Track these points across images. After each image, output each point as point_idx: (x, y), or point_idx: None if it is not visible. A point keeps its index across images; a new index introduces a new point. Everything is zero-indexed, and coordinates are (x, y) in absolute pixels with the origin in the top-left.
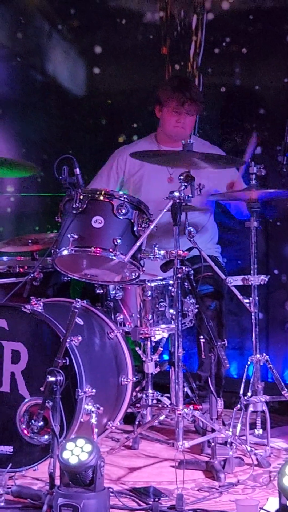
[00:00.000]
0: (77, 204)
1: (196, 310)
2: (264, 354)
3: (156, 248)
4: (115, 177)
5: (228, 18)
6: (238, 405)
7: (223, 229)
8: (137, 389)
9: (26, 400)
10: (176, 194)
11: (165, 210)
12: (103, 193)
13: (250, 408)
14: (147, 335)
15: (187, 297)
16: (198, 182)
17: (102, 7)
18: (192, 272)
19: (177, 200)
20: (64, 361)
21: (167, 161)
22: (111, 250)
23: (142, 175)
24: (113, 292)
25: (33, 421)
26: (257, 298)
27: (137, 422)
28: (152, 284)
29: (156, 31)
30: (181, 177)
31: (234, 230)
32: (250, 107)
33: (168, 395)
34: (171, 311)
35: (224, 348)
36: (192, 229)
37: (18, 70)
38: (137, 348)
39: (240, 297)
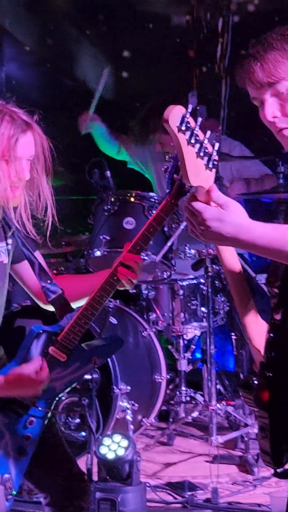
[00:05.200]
0: (109, 206)
1: (228, 308)
2: None
3: (187, 248)
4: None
5: (253, 19)
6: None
7: None
8: (170, 386)
9: (63, 398)
10: None
11: None
12: (133, 194)
13: None
14: (179, 333)
15: (218, 295)
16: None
17: (129, 12)
18: (222, 271)
19: None
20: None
21: None
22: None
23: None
24: (145, 291)
25: (69, 418)
26: None
27: (171, 419)
28: (184, 283)
29: (183, 34)
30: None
31: None
32: None
33: (201, 392)
34: (203, 309)
35: None
36: None
37: (48, 76)
38: (169, 346)
39: (269, 293)
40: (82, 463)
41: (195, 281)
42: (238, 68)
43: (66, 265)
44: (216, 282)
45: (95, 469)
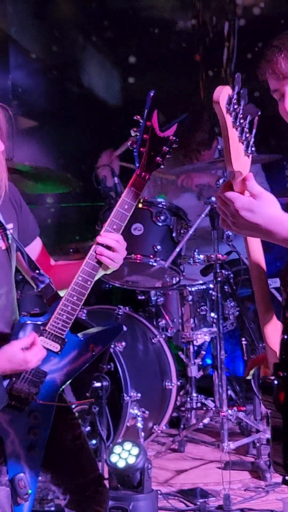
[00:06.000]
0: None
1: (237, 313)
2: None
3: (195, 253)
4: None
5: (259, 23)
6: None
7: None
8: (181, 393)
9: (73, 406)
10: (214, 198)
11: (203, 215)
12: (141, 200)
13: None
14: (189, 339)
15: (228, 300)
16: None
17: (134, 17)
18: (231, 275)
19: (215, 205)
20: (109, 366)
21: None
22: (151, 256)
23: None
24: (154, 297)
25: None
26: None
27: (182, 426)
28: (193, 289)
29: (189, 38)
30: (218, 182)
31: None
32: None
33: (212, 398)
34: (212, 314)
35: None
36: (230, 233)
37: (55, 83)
38: (179, 353)
39: (280, 298)
40: None
41: (204, 287)
42: (261, 60)
43: None
44: (226, 287)
45: (106, 478)
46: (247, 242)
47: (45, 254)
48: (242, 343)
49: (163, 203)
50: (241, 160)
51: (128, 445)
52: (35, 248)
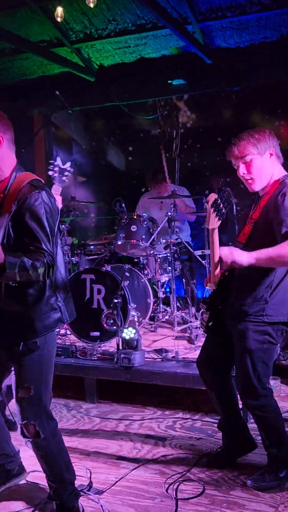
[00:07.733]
0: (124, 221)
1: (180, 266)
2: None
3: (161, 239)
4: (140, 207)
5: (189, 131)
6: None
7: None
8: (154, 304)
9: (104, 311)
10: (169, 213)
11: (164, 221)
12: (135, 215)
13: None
14: (158, 279)
15: (176, 262)
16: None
17: (132, 128)
18: (178, 249)
19: (170, 216)
20: (121, 292)
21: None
22: (140, 240)
23: (149, 207)
24: (142, 260)
25: (108, 320)
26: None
27: (156, 319)
28: (160, 256)
29: (157, 138)
30: (172, 205)
31: (202, 229)
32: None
33: (170, 307)
34: (169, 268)
35: (195, 284)
36: (177, 230)
37: (94, 159)
38: (154, 286)
39: (200, 259)
40: (113, 341)
41: (165, 255)
42: (227, 150)
43: (104, 249)
44: (175, 255)
45: (120, 344)
46: (211, 230)
47: None
48: (183, 281)
49: (145, 216)
50: (214, 223)
51: (130, 329)
52: None
